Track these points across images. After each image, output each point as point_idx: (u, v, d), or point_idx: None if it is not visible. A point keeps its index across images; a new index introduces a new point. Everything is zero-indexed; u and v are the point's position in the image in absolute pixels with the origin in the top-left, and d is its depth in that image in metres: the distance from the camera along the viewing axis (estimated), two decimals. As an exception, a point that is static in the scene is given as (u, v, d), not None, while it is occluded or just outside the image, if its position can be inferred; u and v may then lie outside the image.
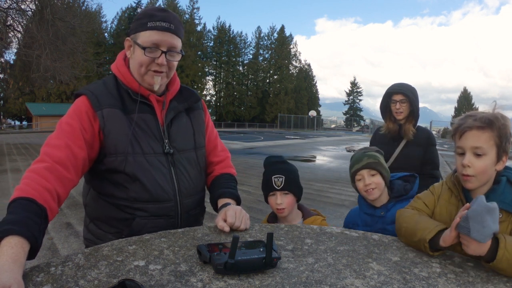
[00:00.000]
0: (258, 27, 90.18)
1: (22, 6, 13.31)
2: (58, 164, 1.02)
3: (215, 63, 56.98)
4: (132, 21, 1.21)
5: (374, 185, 1.55)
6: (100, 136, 1.15)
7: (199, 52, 52.01)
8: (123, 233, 1.18)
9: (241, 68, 59.00)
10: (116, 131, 1.15)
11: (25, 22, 13.81)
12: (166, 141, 1.23)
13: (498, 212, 0.93)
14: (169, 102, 1.28)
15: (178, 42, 1.20)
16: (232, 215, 1.15)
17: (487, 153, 1.06)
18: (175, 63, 1.22)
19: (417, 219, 1.13)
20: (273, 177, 1.56)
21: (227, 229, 1.13)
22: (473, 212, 0.93)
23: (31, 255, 0.84)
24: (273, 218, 1.68)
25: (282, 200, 1.56)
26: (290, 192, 1.56)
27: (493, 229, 0.92)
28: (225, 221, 1.15)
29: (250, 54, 60.37)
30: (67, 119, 1.13)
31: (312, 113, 53.31)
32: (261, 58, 59.59)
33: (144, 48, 1.14)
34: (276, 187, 1.55)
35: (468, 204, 0.99)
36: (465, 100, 57.64)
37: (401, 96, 2.16)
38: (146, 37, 1.15)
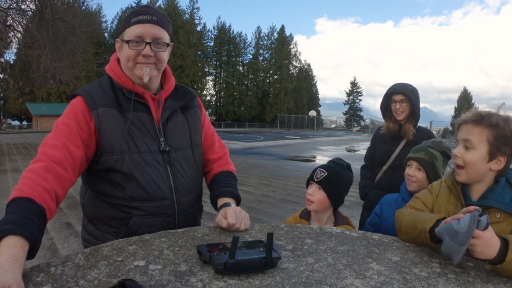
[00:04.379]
0: (258, 27, 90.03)
1: (22, 6, 13.31)
2: (56, 164, 1.03)
3: (215, 63, 56.93)
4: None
5: (415, 179, 1.62)
6: (96, 135, 1.15)
7: (199, 52, 51.95)
8: (120, 233, 1.19)
9: (241, 68, 58.92)
10: (112, 130, 1.15)
11: (25, 22, 13.81)
12: (162, 139, 1.24)
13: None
14: (164, 100, 1.28)
15: (162, 33, 1.20)
16: (233, 215, 1.16)
17: (476, 147, 1.07)
18: (163, 55, 1.22)
19: (416, 214, 1.14)
20: (318, 169, 1.60)
21: (225, 224, 1.14)
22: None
23: (30, 255, 0.84)
24: (306, 215, 1.68)
25: (314, 193, 1.58)
26: (324, 191, 1.57)
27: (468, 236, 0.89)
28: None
29: (250, 54, 60.40)
30: (63, 119, 1.13)
31: (312, 113, 53.27)
32: (261, 58, 59.55)
33: (128, 42, 1.17)
34: (315, 179, 1.58)
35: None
36: (465, 100, 57.64)
37: (402, 96, 2.16)
38: (130, 32, 1.18)
